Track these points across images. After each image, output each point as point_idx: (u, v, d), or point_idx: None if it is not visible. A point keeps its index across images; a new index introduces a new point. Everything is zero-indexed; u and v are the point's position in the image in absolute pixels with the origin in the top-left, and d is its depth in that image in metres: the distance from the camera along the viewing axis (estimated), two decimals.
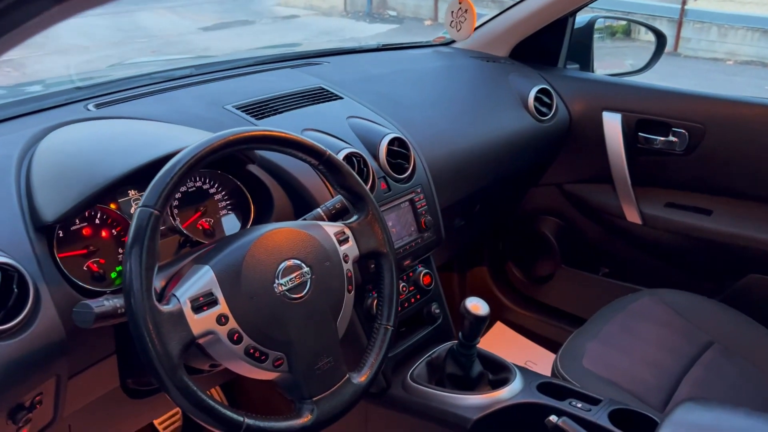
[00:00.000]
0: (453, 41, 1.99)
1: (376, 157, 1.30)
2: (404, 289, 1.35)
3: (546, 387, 1.24)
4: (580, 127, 1.81)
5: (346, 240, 1.00)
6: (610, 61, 2.44)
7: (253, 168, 1.17)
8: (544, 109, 1.75)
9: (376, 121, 1.39)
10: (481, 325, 1.21)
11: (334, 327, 0.94)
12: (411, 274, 1.38)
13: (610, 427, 1.12)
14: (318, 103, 1.41)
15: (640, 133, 1.74)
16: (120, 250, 1.01)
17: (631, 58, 2.48)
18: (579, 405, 1.17)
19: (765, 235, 1.63)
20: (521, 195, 2.00)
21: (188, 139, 1.07)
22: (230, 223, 1.19)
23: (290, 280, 0.89)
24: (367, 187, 1.23)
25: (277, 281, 0.88)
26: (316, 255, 0.94)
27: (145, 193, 0.82)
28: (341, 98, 1.45)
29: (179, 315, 0.81)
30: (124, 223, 1.02)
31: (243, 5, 10.19)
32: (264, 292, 0.87)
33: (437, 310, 1.40)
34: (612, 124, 1.75)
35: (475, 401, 1.22)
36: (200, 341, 0.83)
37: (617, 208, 1.81)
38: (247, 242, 0.89)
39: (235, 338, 0.84)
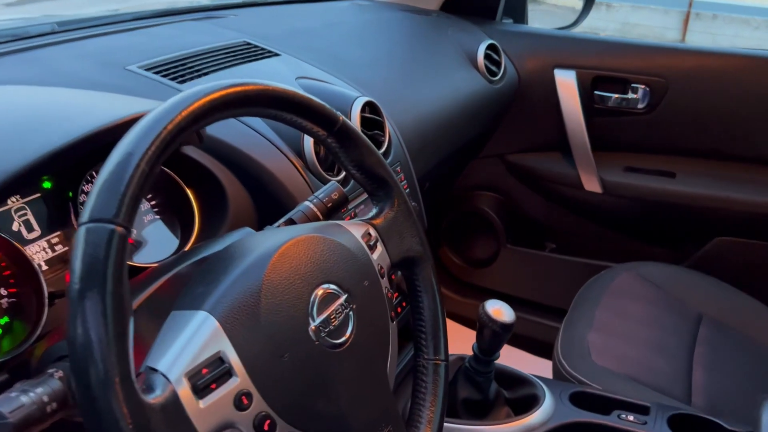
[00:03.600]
0: None
1: None
2: (389, 295, 1.05)
3: (579, 398, 1.01)
4: (530, 87, 1.60)
5: (374, 245, 0.68)
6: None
7: (192, 151, 0.80)
8: (493, 68, 1.52)
9: (333, 82, 1.06)
10: (506, 335, 0.95)
11: (386, 378, 0.63)
12: (393, 277, 1.08)
13: None
14: (250, 61, 1.05)
15: (596, 92, 1.57)
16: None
17: (537, 22, 2.34)
18: (631, 418, 0.96)
19: (732, 194, 1.53)
20: (461, 169, 1.76)
21: (116, 108, 0.69)
22: (161, 235, 0.81)
23: (330, 317, 0.56)
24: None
25: (312, 322, 0.55)
26: (352, 273, 0.61)
27: (91, 200, 0.44)
28: (277, 54, 1.10)
29: (175, 406, 0.45)
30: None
31: None
32: (299, 343, 0.53)
33: None
34: (566, 82, 1.55)
35: (508, 430, 0.96)
36: None
37: (574, 177, 1.63)
38: (259, 261, 0.54)
39: (266, 428, 0.50)
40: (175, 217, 0.82)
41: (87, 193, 0.73)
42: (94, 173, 0.74)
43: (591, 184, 1.61)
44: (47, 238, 0.70)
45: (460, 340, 1.89)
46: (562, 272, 1.75)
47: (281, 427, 0.51)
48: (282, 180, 0.83)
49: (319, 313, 0.55)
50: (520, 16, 1.76)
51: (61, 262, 0.69)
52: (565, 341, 1.26)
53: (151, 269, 0.66)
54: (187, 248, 0.80)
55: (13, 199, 0.66)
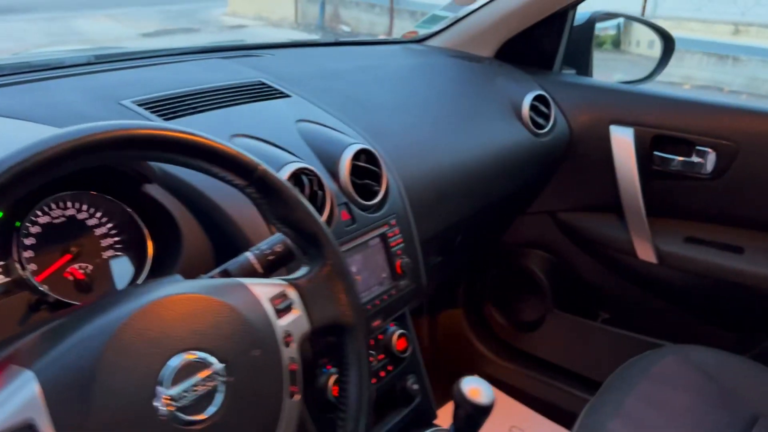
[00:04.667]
0: (426, 38, 1.65)
1: (335, 175, 0.93)
2: (372, 359, 0.98)
3: None
4: (582, 143, 1.48)
5: (287, 308, 0.62)
6: (598, 74, 2.17)
7: (152, 189, 0.78)
8: (540, 121, 1.42)
9: (336, 128, 1.03)
10: (482, 417, 0.85)
11: None
12: (381, 336, 1.01)
13: None
14: (255, 101, 1.04)
15: (655, 153, 1.43)
16: None
17: (620, 73, 2.20)
18: None
19: None
20: (506, 224, 1.66)
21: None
22: (119, 270, 0.80)
23: (188, 389, 0.51)
24: (323, 218, 0.87)
25: (161, 392, 0.50)
26: (237, 340, 0.55)
27: None
28: (288, 96, 1.08)
29: None
30: None
31: (188, 14, 9.74)
32: (138, 416, 0.48)
33: (415, 386, 1.04)
34: (622, 140, 1.43)
35: None
36: None
37: (626, 243, 1.48)
38: (109, 322, 0.50)
39: None
40: (134, 253, 0.80)
41: (36, 224, 0.73)
42: (47, 207, 0.74)
43: (645, 252, 1.46)
44: None
45: (501, 408, 1.77)
46: (612, 346, 1.60)
47: None
48: (241, 225, 0.80)
49: (175, 383, 0.50)
50: (584, 67, 1.65)
51: None
52: (582, 427, 1.12)
53: (74, 307, 0.64)
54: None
55: None
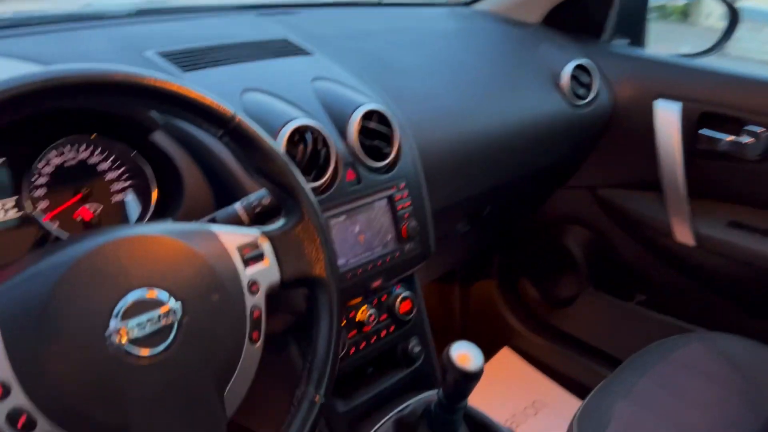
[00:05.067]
0: (473, 1, 1.61)
1: (344, 134, 0.93)
2: (372, 318, 0.99)
3: None
4: (625, 116, 1.42)
5: (258, 257, 0.63)
6: (660, 46, 2.06)
7: (158, 137, 0.81)
8: (581, 91, 1.37)
9: (353, 86, 1.03)
10: (469, 384, 0.85)
11: (215, 404, 0.58)
12: (385, 297, 1.02)
13: None
14: (276, 57, 1.05)
15: (701, 131, 1.35)
16: None
17: (688, 46, 2.09)
18: None
19: None
20: (543, 197, 1.62)
21: None
22: (127, 213, 0.84)
23: (143, 323, 0.54)
24: (326, 176, 0.88)
25: (114, 325, 0.52)
26: (196, 283, 0.57)
27: None
28: (309, 54, 1.09)
29: None
30: None
31: None
32: (87, 344, 0.51)
33: (417, 348, 1.04)
34: (667, 115, 1.36)
35: None
36: None
37: (665, 223, 1.42)
38: (67, 257, 0.53)
39: (20, 425, 0.49)
40: (141, 199, 0.84)
41: (49, 164, 0.78)
42: (62, 147, 0.78)
43: (683, 234, 1.39)
44: (2, 201, 0.76)
45: (524, 383, 1.75)
46: (644, 329, 1.55)
47: (42, 425, 0.49)
48: (238, 176, 0.82)
49: (126, 317, 0.53)
50: (638, 36, 1.57)
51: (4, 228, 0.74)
52: (588, 405, 1.10)
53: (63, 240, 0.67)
54: None
55: None
